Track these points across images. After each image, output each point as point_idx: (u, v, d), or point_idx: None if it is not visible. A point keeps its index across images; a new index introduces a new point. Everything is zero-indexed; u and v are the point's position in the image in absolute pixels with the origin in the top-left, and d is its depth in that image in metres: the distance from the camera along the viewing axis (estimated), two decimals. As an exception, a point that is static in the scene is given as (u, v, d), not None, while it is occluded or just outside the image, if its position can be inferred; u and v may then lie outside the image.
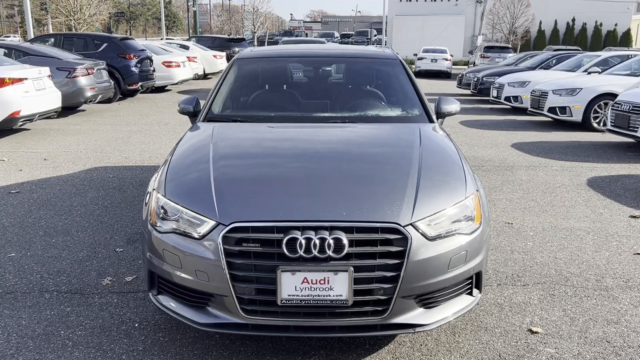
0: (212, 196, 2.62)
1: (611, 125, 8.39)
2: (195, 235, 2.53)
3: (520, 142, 8.89)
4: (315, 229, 2.41)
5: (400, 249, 2.43)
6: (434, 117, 3.73)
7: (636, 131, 7.73)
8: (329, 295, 2.41)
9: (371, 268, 2.41)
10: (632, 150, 8.23)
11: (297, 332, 2.51)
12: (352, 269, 2.38)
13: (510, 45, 27.53)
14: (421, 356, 2.70)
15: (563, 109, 10.24)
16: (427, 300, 2.57)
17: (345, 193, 2.62)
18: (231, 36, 31.56)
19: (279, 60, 4.34)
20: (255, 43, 31.02)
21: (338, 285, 2.40)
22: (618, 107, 8.17)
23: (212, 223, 2.51)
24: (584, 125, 10.12)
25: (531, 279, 3.59)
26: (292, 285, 2.40)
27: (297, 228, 2.42)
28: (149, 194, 2.93)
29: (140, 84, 14.01)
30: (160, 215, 2.70)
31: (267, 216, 2.48)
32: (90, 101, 11.43)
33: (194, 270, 2.52)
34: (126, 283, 3.53)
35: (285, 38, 25.16)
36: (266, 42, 31.98)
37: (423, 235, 2.48)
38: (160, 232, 2.66)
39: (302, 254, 2.38)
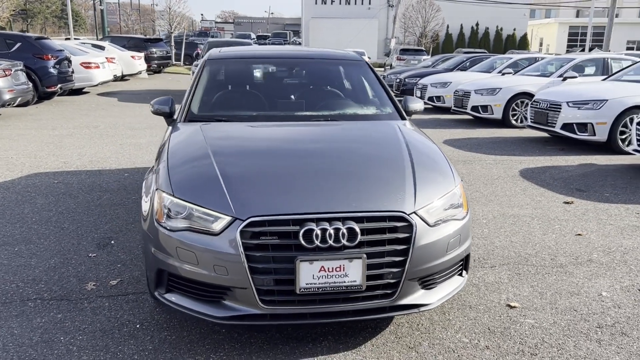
0: (224, 193, 2.70)
1: (531, 122, 9.15)
2: (212, 232, 2.61)
3: (451, 139, 9.46)
4: (329, 220, 2.57)
5: (407, 235, 2.64)
6: (405, 114, 3.99)
7: (554, 126, 8.49)
8: (344, 282, 2.57)
9: (381, 254, 2.61)
10: (549, 143, 9.02)
11: (313, 318, 2.66)
12: (365, 255, 2.56)
13: (423, 48, 28.83)
14: (420, 334, 2.93)
15: (485, 108, 10.99)
16: (428, 281, 2.80)
17: (351, 186, 2.79)
18: (148, 36, 30.54)
19: (251, 61, 4.44)
20: (173, 43, 30.24)
21: (352, 272, 2.57)
22: (537, 105, 8.93)
23: (227, 219, 2.59)
24: (504, 122, 10.92)
25: (496, 261, 3.94)
26: (310, 274, 2.54)
27: (312, 220, 2.57)
28: (150, 195, 2.93)
29: (59, 86, 13.35)
30: (169, 214, 2.74)
31: (282, 210, 2.60)
32: (8, 104, 10.77)
33: (212, 266, 2.59)
34: (112, 287, 3.49)
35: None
36: (183, 44, 31.27)
37: (425, 222, 2.71)
38: (171, 230, 2.69)
39: (318, 244, 2.53)
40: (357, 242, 2.56)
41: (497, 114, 10.88)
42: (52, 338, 2.88)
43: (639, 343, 2.85)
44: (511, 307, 3.24)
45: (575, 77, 10.65)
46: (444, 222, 2.80)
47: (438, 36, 36.18)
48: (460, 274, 3.03)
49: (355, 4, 40.55)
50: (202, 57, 15.26)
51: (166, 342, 2.86)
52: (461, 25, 40.31)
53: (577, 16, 58.27)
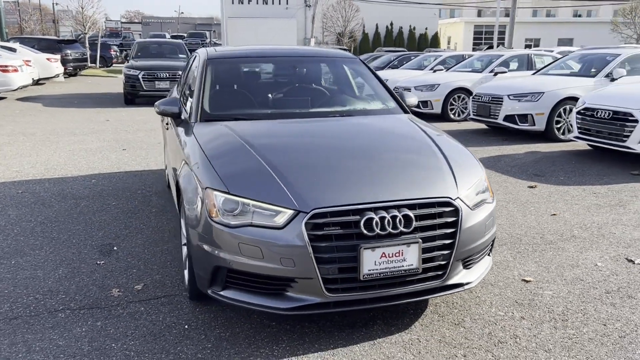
0: (280, 187, 2.77)
1: (473, 115, 9.73)
2: (276, 226, 2.67)
3: (399, 133, 9.84)
4: (386, 209, 2.72)
5: (454, 219, 2.85)
6: (407, 108, 4.20)
7: (497, 118, 9.10)
8: (403, 266, 2.73)
9: (433, 238, 2.79)
10: (491, 135, 9.64)
11: (373, 303, 2.79)
12: (420, 240, 2.74)
13: (346, 47, 29.44)
14: (459, 312, 3.15)
15: (425, 103, 11.51)
16: (469, 261, 3.02)
17: (399, 176, 2.96)
18: (61, 37, 28.92)
19: (254, 60, 4.47)
20: (87, 44, 28.82)
21: (410, 256, 2.74)
22: (479, 98, 9.52)
23: (290, 212, 2.67)
24: (443, 116, 11.50)
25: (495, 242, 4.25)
26: (372, 260, 2.68)
27: (370, 209, 2.71)
28: (198, 195, 2.92)
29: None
30: (225, 212, 2.76)
31: (342, 201, 2.71)
32: None
33: (278, 259, 2.65)
34: (138, 292, 3.43)
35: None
36: (99, 45, 29.89)
37: (467, 206, 2.93)
38: (231, 227, 2.73)
39: (378, 231, 2.67)
40: (412, 228, 2.73)
41: (437, 109, 11.44)
42: (103, 346, 2.82)
43: (644, 303, 3.24)
44: (527, 281, 3.54)
45: (505, 72, 11.43)
46: (478, 206, 3.03)
47: (355, 35, 37.03)
48: (489, 254, 3.28)
49: (273, 3, 40.58)
50: (132, 57, 14.79)
51: (222, 339, 2.88)
52: (376, 25, 41.50)
53: (479, 16, 61.81)
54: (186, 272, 3.40)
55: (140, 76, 13.58)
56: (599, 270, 3.71)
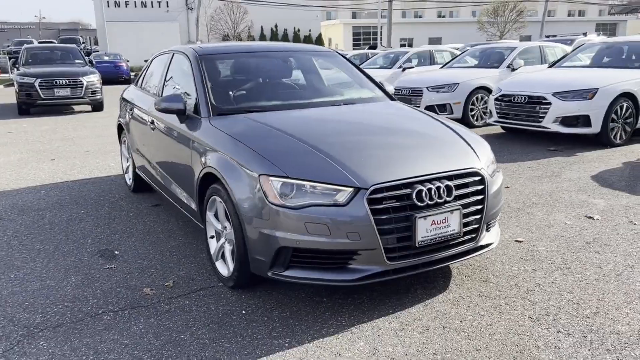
0: (335, 167, 2.97)
1: (394, 107, 10.35)
2: (339, 203, 2.87)
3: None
4: (430, 181, 3.03)
5: (482, 187, 3.22)
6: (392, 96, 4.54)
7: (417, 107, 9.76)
8: (448, 232, 3.06)
9: (468, 205, 3.14)
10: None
11: (425, 267, 3.08)
12: (461, 207, 3.08)
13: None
14: (481, 271, 3.53)
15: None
16: (490, 225, 3.41)
17: (433, 152, 3.28)
18: None
19: (245, 55, 4.53)
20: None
21: (453, 222, 3.07)
22: (399, 91, 10.17)
23: (350, 190, 2.88)
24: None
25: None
26: (424, 228, 2.97)
27: (418, 182, 3.00)
28: (253, 182, 3.01)
29: None
30: (285, 195, 2.90)
31: (394, 176, 2.97)
32: None
33: (345, 234, 2.85)
34: (172, 288, 3.42)
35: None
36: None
37: (489, 175, 3.32)
38: (295, 208, 2.87)
39: (427, 202, 2.97)
40: (453, 196, 3.06)
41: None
42: (173, 338, 2.83)
43: (621, 247, 3.85)
44: (519, 241, 4.03)
45: (412, 67, 12.25)
46: (494, 175, 3.44)
47: (241, 38, 37.02)
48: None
49: (152, 6, 39.31)
50: (22, 64, 13.70)
51: (286, 317, 3.01)
52: (261, 27, 41.80)
53: (354, 17, 64.36)
54: (219, 263, 3.47)
55: (36, 84, 12.65)
56: (571, 227, 4.31)
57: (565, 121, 7.35)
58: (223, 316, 3.05)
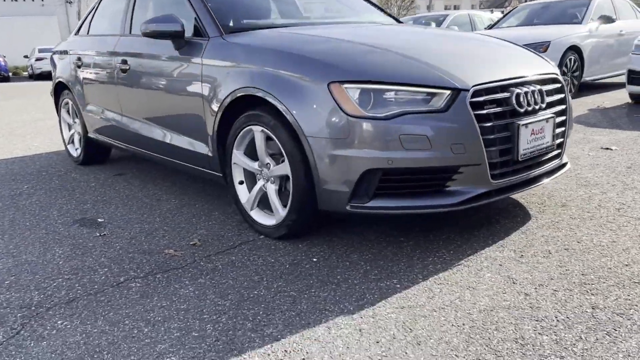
0: (425, 68, 2.43)
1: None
2: (436, 109, 2.32)
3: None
4: (524, 84, 2.57)
5: (563, 95, 2.82)
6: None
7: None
8: (543, 144, 2.62)
9: (555, 114, 2.73)
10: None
11: (522, 187, 2.61)
12: (554, 116, 2.66)
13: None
14: (536, 192, 3.15)
15: None
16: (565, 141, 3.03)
17: (513, 57, 2.84)
18: None
19: None
20: None
21: (547, 133, 2.64)
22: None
23: (447, 93, 2.35)
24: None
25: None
26: (525, 139, 2.51)
27: (514, 85, 2.53)
28: (318, 93, 2.37)
29: None
30: (367, 104, 2.31)
31: (490, 77, 2.47)
32: None
33: (449, 146, 2.31)
34: (200, 246, 2.69)
35: None
36: None
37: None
38: (386, 119, 2.28)
39: (526, 107, 2.52)
40: (546, 103, 2.64)
41: None
42: (246, 295, 2.13)
43: (663, 169, 3.66)
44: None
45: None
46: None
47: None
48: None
49: (25, 0, 35.77)
50: None
51: (371, 259, 2.41)
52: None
53: None
54: (256, 212, 2.81)
55: None
56: (597, 157, 4.07)
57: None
58: (292, 267, 2.38)
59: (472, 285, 2.12)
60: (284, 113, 2.47)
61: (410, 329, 1.83)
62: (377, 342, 1.76)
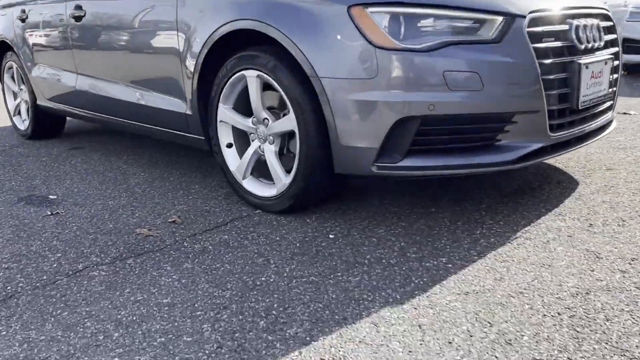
0: None
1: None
2: (488, 39, 1.82)
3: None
4: (581, 17, 2.09)
5: (615, 36, 2.36)
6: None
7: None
8: (600, 91, 2.17)
9: (612, 57, 2.26)
10: None
11: (579, 143, 2.14)
12: (613, 57, 2.20)
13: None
14: (575, 157, 2.70)
15: None
16: (610, 95, 2.58)
17: None
18: None
19: None
20: None
21: (604, 78, 2.18)
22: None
23: (499, 19, 1.84)
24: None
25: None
26: (585, 82, 2.03)
27: (571, 16, 2.05)
28: (346, 15, 1.83)
29: None
30: (398, 33, 1.79)
31: (545, 3, 1.98)
32: None
33: (505, 85, 1.81)
34: (180, 224, 2.12)
35: None
36: None
37: (609, 28, 2.46)
38: (424, 51, 1.77)
39: (587, 44, 2.04)
40: (604, 42, 2.17)
41: None
42: (251, 284, 1.60)
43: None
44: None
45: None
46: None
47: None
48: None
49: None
50: None
51: (401, 234, 1.90)
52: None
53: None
54: (249, 181, 2.25)
55: None
56: (620, 121, 3.67)
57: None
58: (304, 246, 1.85)
59: (547, 262, 1.63)
60: (288, 48, 1.92)
61: (489, 323, 1.33)
62: (450, 343, 1.26)
